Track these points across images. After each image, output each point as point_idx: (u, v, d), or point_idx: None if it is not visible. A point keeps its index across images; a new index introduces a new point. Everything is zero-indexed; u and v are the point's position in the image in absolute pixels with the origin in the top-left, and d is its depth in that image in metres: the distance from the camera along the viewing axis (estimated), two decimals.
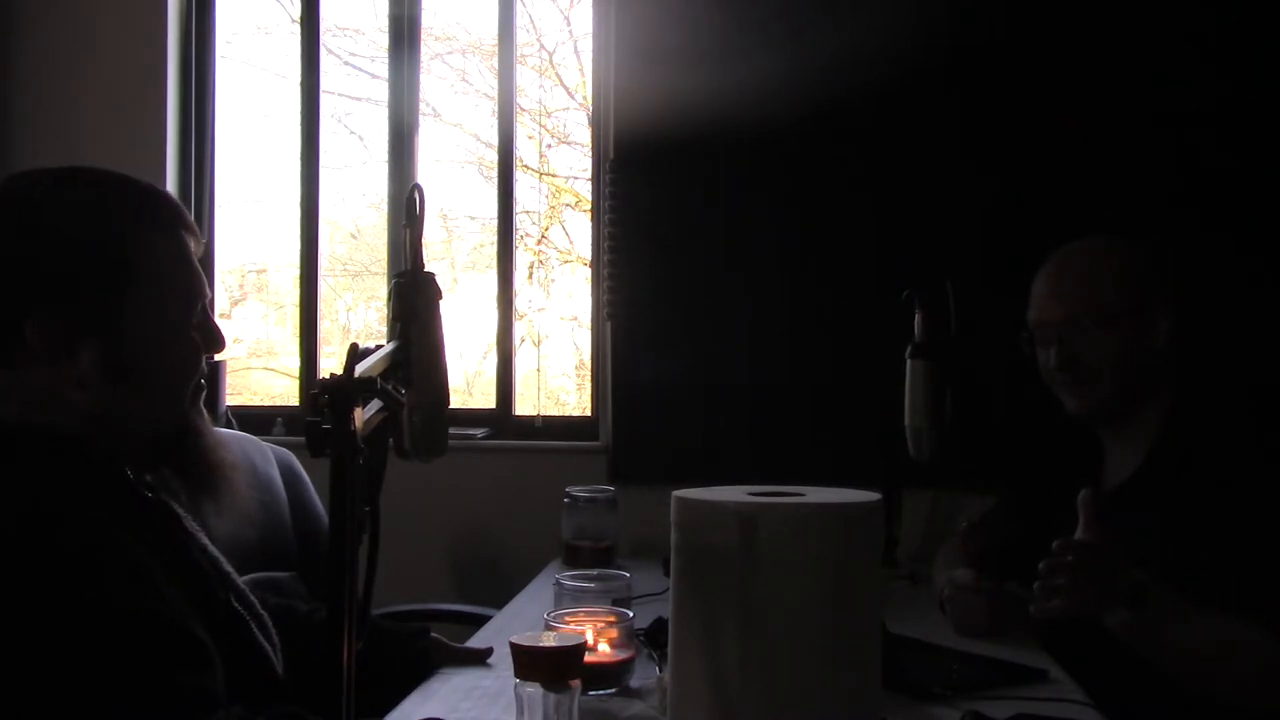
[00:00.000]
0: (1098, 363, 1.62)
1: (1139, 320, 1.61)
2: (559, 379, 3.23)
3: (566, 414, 2.89)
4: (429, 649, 1.41)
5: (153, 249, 1.10)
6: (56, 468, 1.04)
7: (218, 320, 1.21)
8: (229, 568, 1.18)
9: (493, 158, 2.74)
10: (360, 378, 0.83)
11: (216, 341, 1.17)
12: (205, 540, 1.18)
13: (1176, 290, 1.64)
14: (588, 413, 2.62)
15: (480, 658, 1.43)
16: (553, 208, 3.37)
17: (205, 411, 1.18)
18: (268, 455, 1.90)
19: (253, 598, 1.19)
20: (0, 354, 1.05)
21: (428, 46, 2.84)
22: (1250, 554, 1.44)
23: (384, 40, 2.73)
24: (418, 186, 1.06)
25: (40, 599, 0.93)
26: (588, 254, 2.73)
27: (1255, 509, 1.46)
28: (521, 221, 2.75)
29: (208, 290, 1.17)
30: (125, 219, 1.09)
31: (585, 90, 2.99)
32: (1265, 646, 1.37)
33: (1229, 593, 1.40)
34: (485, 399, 2.79)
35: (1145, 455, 1.62)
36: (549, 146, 3.22)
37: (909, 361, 2.03)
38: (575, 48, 3.09)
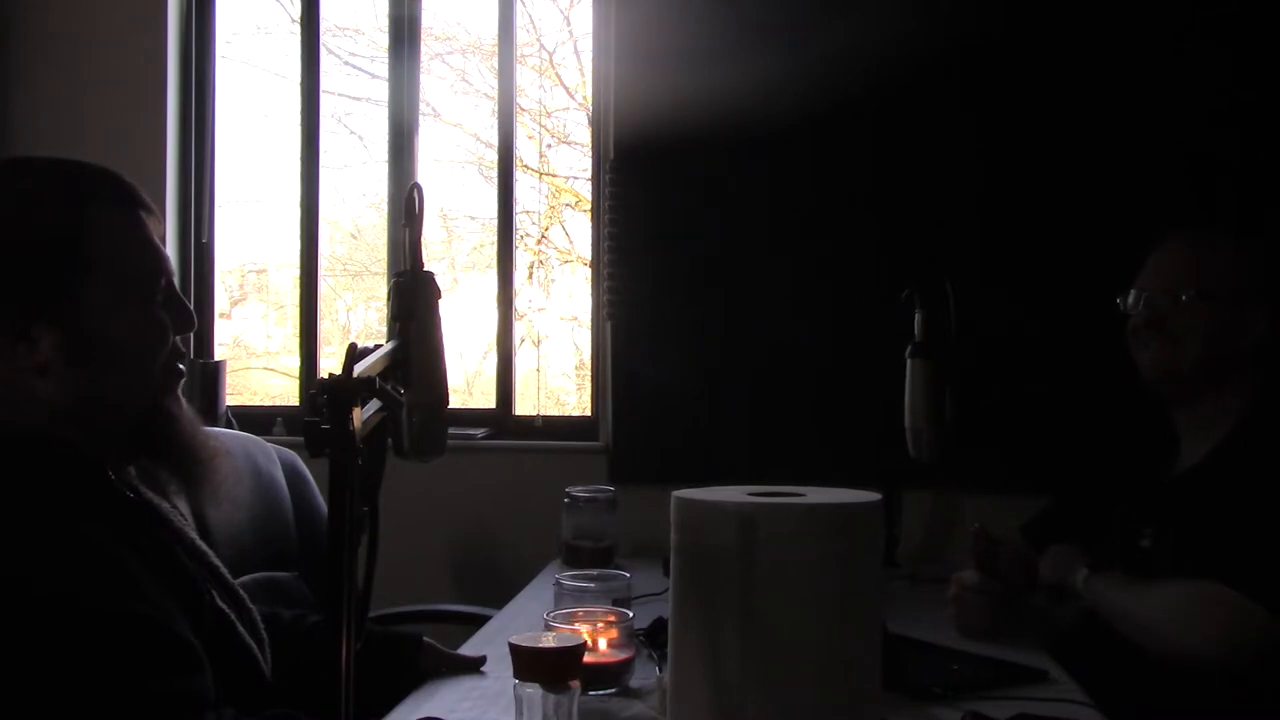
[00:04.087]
0: (1185, 328, 1.64)
1: (1236, 308, 1.62)
2: (559, 379, 3.23)
3: (566, 414, 2.89)
4: (417, 658, 1.40)
5: (106, 229, 1.09)
6: (36, 471, 1.03)
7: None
8: (217, 562, 1.17)
9: (493, 158, 2.74)
10: (359, 378, 0.83)
11: (186, 319, 1.15)
12: (193, 536, 1.17)
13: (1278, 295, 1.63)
14: (588, 413, 2.62)
15: (473, 665, 1.42)
16: (553, 208, 3.37)
17: (183, 399, 1.17)
18: (271, 455, 1.90)
19: (242, 594, 1.18)
20: None
21: (428, 46, 2.84)
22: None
23: (384, 40, 2.73)
24: (417, 186, 1.06)
25: (25, 606, 0.93)
26: (588, 254, 2.73)
27: None
28: (521, 221, 2.75)
29: (171, 268, 1.15)
30: (74, 201, 1.08)
31: (585, 90, 2.99)
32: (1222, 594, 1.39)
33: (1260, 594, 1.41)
34: (485, 399, 2.78)
35: (1219, 445, 1.61)
36: (549, 146, 3.22)
37: (909, 361, 2.03)
38: (575, 48, 3.09)
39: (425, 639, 1.43)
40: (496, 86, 2.72)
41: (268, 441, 1.95)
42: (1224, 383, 1.63)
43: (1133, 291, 1.71)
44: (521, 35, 2.77)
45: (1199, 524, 1.57)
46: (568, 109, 3.24)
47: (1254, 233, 1.74)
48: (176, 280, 1.17)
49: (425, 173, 2.79)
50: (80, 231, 1.07)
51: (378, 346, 0.97)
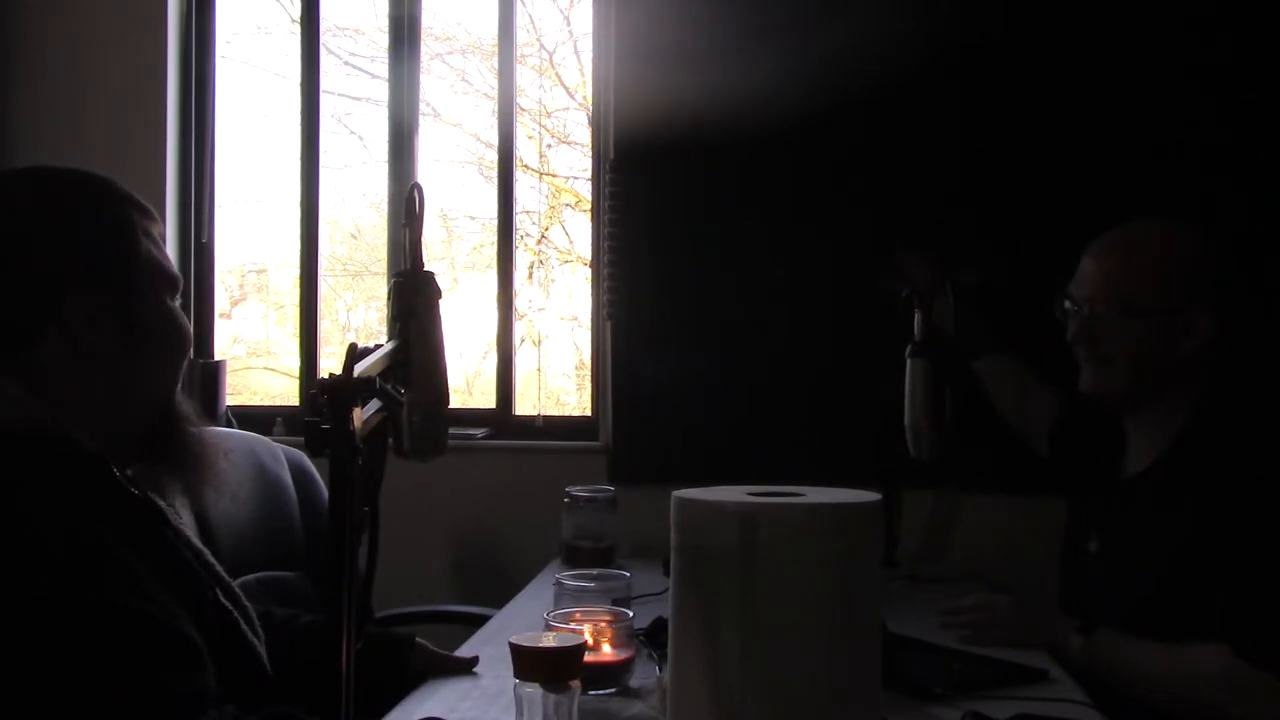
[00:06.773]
0: (1114, 348, 1.59)
1: (1172, 318, 1.55)
2: (559, 379, 3.23)
3: (566, 414, 2.88)
4: (409, 659, 1.40)
5: (145, 234, 1.16)
6: (38, 468, 1.03)
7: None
8: (212, 559, 1.18)
9: (493, 158, 2.74)
10: (359, 377, 0.83)
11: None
12: (191, 535, 1.18)
13: (1223, 292, 1.56)
14: (588, 413, 2.62)
15: (467, 666, 1.42)
16: (553, 208, 3.37)
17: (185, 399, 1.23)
18: (278, 456, 1.90)
19: (238, 592, 1.19)
20: (30, 334, 1.08)
21: (428, 46, 2.84)
22: (1234, 576, 1.42)
23: (384, 40, 2.73)
24: (417, 186, 1.06)
25: (30, 602, 0.93)
26: (588, 254, 2.73)
27: (1252, 531, 1.42)
28: (521, 221, 2.75)
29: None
30: (117, 203, 1.15)
31: (585, 90, 2.99)
32: (1220, 668, 1.37)
33: (1207, 606, 1.41)
34: (485, 399, 2.78)
35: (1164, 450, 1.59)
36: (549, 146, 3.22)
37: (909, 361, 2.04)
38: (575, 48, 3.09)
39: (418, 639, 1.43)
40: (496, 86, 2.72)
41: (274, 442, 1.95)
42: (1164, 391, 1.58)
43: (1065, 301, 1.66)
44: (521, 35, 2.77)
45: (1142, 532, 1.56)
46: (568, 109, 3.24)
47: (1192, 231, 1.62)
48: None
49: (425, 173, 2.79)
50: (127, 228, 1.14)
51: (378, 346, 0.97)
